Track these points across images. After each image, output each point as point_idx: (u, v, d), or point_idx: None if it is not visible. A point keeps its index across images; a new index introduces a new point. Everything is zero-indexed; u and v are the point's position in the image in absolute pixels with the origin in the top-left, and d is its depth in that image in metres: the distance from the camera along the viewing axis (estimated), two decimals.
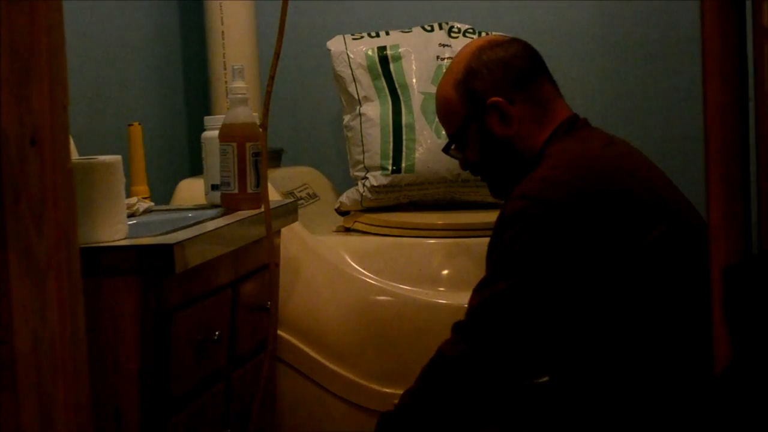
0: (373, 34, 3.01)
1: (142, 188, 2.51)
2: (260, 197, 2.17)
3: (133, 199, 2.32)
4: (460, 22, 3.06)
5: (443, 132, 2.18)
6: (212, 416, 2.08)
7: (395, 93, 2.92)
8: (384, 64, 2.94)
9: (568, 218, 1.82)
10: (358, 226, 2.84)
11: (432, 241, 2.71)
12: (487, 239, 1.94)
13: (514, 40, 2.08)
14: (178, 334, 1.87)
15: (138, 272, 1.76)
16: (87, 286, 1.32)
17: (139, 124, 2.56)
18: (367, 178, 2.88)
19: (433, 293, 2.61)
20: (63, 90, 1.25)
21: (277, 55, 1.95)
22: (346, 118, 2.98)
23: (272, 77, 1.97)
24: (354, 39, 2.99)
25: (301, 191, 2.94)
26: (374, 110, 2.91)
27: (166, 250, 1.78)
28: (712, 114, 1.69)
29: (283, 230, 2.53)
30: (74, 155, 2.09)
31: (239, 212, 2.22)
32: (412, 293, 2.62)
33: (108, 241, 1.80)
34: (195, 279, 1.93)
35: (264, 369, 2.05)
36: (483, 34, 3.02)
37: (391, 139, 2.88)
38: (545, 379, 2.01)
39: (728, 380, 1.59)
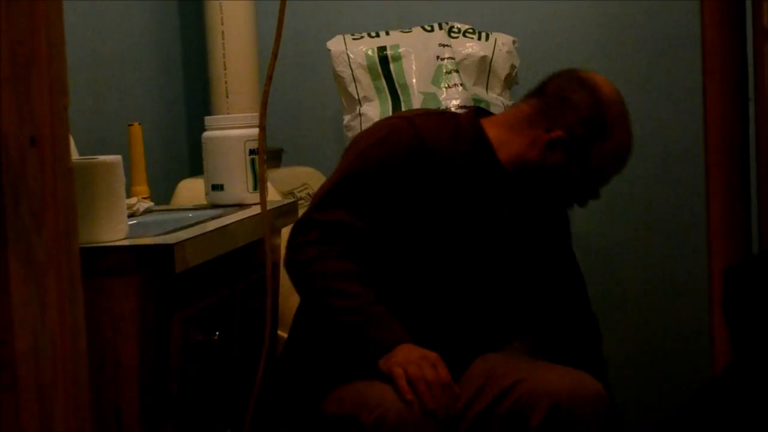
0: (373, 34, 3.01)
1: (142, 188, 2.51)
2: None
3: (133, 199, 2.32)
4: (460, 22, 3.06)
5: None
6: (212, 416, 2.08)
7: (395, 93, 2.92)
8: (384, 64, 2.94)
9: None
10: None
11: None
12: None
13: None
14: (178, 334, 1.87)
15: (138, 272, 1.76)
16: (87, 286, 1.32)
17: (139, 124, 2.55)
18: None
19: None
20: (63, 90, 1.25)
21: (274, 55, 1.95)
22: (346, 118, 2.98)
23: (269, 77, 1.97)
24: (354, 39, 2.99)
25: (301, 191, 2.94)
26: (374, 110, 2.91)
27: (166, 250, 1.78)
28: (712, 114, 1.69)
29: (283, 230, 2.53)
30: (74, 155, 2.09)
31: (239, 212, 2.22)
32: None
33: (108, 241, 1.80)
34: (195, 279, 1.93)
35: (260, 369, 2.05)
36: (483, 34, 3.02)
37: None
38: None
39: (728, 380, 1.59)
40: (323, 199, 2.07)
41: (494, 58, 2.98)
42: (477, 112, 2.20)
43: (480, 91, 2.96)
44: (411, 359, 1.94)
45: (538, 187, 2.13)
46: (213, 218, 2.15)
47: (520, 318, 2.26)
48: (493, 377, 2.06)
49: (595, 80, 2.12)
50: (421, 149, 2.07)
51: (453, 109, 2.84)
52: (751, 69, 1.73)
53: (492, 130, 2.13)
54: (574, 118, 2.08)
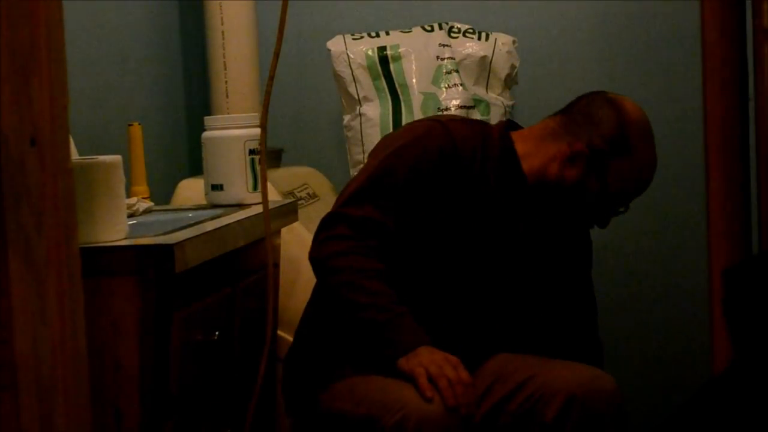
0: (373, 34, 3.01)
1: (142, 188, 2.51)
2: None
3: (133, 199, 2.32)
4: (460, 22, 3.06)
5: None
6: (212, 416, 2.08)
7: (395, 93, 2.92)
8: (384, 64, 2.94)
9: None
10: None
11: None
12: None
13: None
14: (178, 334, 1.87)
15: (138, 272, 1.76)
16: (87, 286, 1.32)
17: (139, 124, 2.56)
18: None
19: None
20: (63, 90, 1.25)
21: (276, 55, 1.95)
22: (346, 118, 2.98)
23: (271, 77, 1.97)
24: (354, 39, 2.99)
25: (301, 191, 2.94)
26: (374, 110, 2.91)
27: (166, 250, 1.78)
28: (712, 114, 1.69)
29: (283, 230, 2.53)
30: (74, 155, 2.09)
31: (239, 212, 2.22)
32: None
33: (108, 241, 1.80)
34: (195, 279, 1.93)
35: (261, 369, 2.05)
36: (483, 34, 3.02)
37: None
38: None
39: (728, 380, 1.59)
40: (353, 195, 2.07)
41: (494, 58, 2.99)
42: (508, 125, 2.22)
43: (480, 91, 2.96)
44: (433, 360, 1.94)
45: (556, 201, 2.13)
46: (213, 218, 2.15)
47: (528, 329, 2.26)
48: (503, 375, 2.07)
49: (621, 101, 2.14)
50: (453, 152, 2.08)
51: (453, 110, 2.84)
52: (751, 69, 1.73)
53: (520, 144, 2.15)
54: (596, 133, 2.09)
